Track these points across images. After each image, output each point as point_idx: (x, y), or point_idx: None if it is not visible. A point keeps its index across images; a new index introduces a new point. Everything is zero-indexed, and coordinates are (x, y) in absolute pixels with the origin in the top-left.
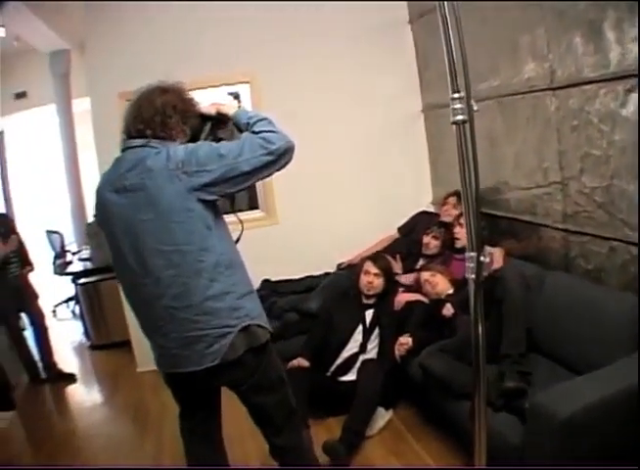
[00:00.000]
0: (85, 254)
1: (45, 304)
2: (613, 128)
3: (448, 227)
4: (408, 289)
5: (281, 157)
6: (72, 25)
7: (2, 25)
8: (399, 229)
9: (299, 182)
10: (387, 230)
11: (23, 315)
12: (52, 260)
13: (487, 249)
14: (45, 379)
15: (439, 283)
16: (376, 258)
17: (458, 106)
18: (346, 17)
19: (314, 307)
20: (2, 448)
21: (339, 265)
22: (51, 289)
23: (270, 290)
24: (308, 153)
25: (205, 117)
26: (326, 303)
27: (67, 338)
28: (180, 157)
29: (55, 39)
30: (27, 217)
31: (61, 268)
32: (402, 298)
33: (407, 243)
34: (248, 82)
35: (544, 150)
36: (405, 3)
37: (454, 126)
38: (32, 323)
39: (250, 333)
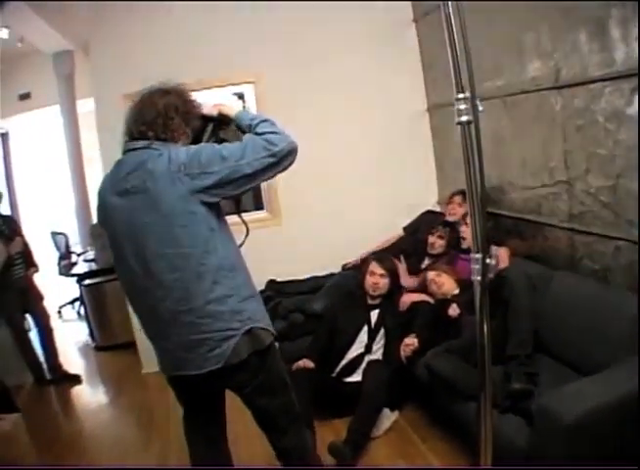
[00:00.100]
0: (90, 255)
1: (50, 305)
2: (618, 127)
3: (454, 227)
4: (413, 289)
5: (284, 158)
6: (76, 26)
7: (6, 27)
8: (405, 229)
9: (304, 182)
10: (392, 230)
11: (28, 316)
12: (57, 261)
13: (493, 249)
14: (50, 380)
15: (445, 283)
16: (381, 258)
17: (463, 106)
18: (351, 16)
19: (319, 308)
20: (7, 450)
21: (344, 266)
22: (56, 290)
23: (275, 290)
24: (313, 153)
25: (207, 119)
26: (331, 303)
27: (72, 339)
28: (182, 159)
29: (59, 40)
30: (32, 218)
31: (66, 269)
32: (408, 298)
33: (413, 243)
34: (252, 82)
35: (550, 149)
36: (409, 2)
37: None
38: (37, 324)
39: (253, 336)
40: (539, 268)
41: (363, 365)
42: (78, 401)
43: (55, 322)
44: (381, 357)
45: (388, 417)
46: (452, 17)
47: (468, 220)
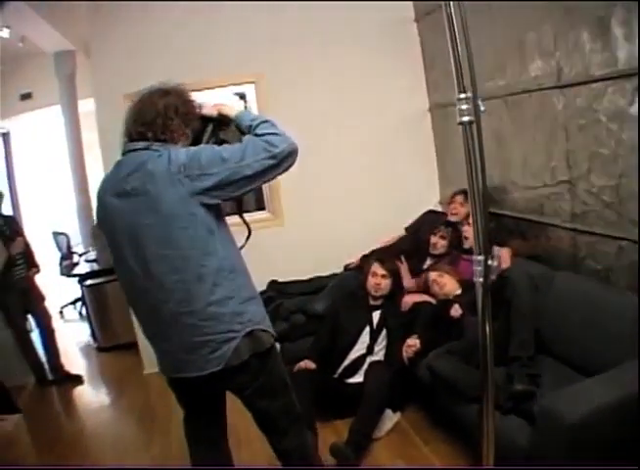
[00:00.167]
0: (92, 255)
1: (52, 305)
2: (621, 127)
3: (456, 227)
4: (415, 290)
5: (284, 160)
6: (78, 26)
7: (7, 27)
8: (407, 229)
9: (306, 182)
10: (394, 230)
11: (30, 317)
12: (58, 262)
13: (495, 249)
14: (52, 381)
15: (447, 283)
16: (383, 259)
17: (465, 106)
18: (352, 16)
19: (321, 309)
20: (8, 451)
21: (346, 266)
22: (58, 290)
23: (277, 291)
24: (315, 152)
25: (206, 119)
26: (333, 304)
27: (74, 339)
28: (182, 160)
29: (60, 40)
30: (34, 219)
31: (67, 269)
32: (410, 299)
33: (414, 243)
34: (253, 82)
35: (552, 149)
36: (411, 2)
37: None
38: (39, 325)
39: (254, 338)
40: (541, 268)
41: (365, 366)
42: (80, 402)
43: (56, 323)
44: (382, 358)
45: (390, 418)
46: (454, 16)
47: (470, 220)
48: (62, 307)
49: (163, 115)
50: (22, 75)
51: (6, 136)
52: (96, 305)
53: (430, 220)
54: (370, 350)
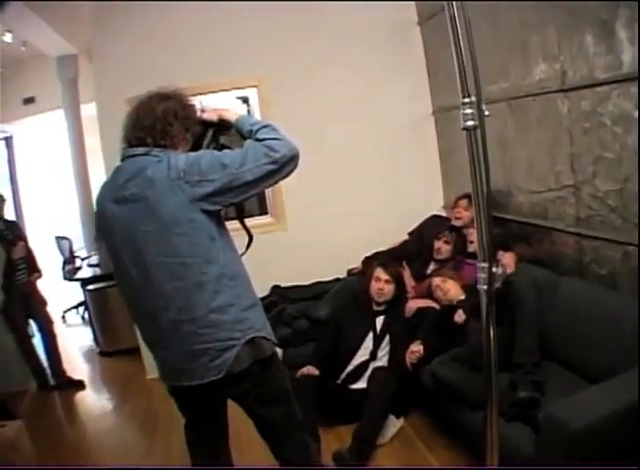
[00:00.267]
0: (94, 259)
1: (55, 309)
2: (626, 130)
3: (460, 231)
4: (419, 295)
5: (285, 165)
6: (80, 30)
7: (10, 31)
8: (410, 234)
9: (309, 187)
10: (397, 235)
11: (32, 322)
12: (61, 266)
13: (499, 254)
14: (54, 386)
15: (451, 289)
16: (386, 264)
17: (468, 111)
18: (355, 19)
19: (324, 314)
20: (10, 457)
21: (349, 271)
22: (60, 295)
23: (280, 296)
24: (318, 157)
25: (207, 124)
26: (336, 309)
27: (76, 344)
28: (182, 166)
29: (63, 44)
30: (37, 223)
31: (70, 274)
32: (413, 304)
33: (418, 247)
34: (255, 86)
35: (556, 153)
36: (413, 4)
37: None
38: (41, 330)
39: (255, 345)
40: (546, 273)
41: (368, 372)
42: (82, 407)
43: (59, 327)
44: (386, 364)
45: (394, 424)
46: (457, 18)
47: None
48: (64, 312)
49: (162, 120)
50: (24, 79)
51: (9, 140)
52: (98, 309)
53: (433, 225)
54: (373, 355)
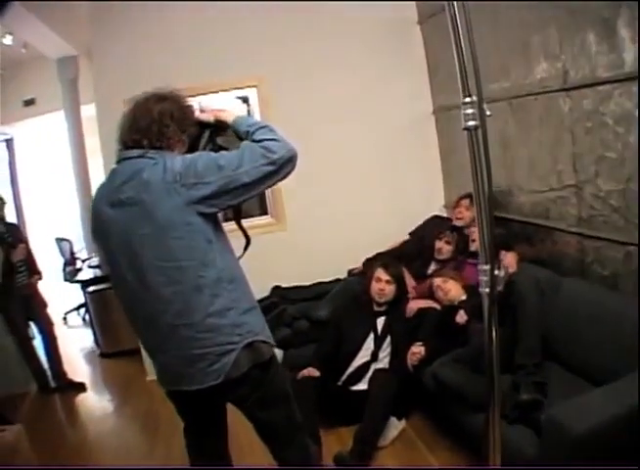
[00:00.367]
0: (95, 261)
1: (55, 311)
2: (628, 130)
3: (461, 231)
4: (420, 295)
5: (283, 166)
6: (80, 31)
7: (10, 33)
8: (411, 234)
9: (309, 187)
10: (398, 235)
11: (32, 324)
12: (62, 267)
13: (501, 254)
14: (55, 388)
15: (452, 289)
16: (387, 264)
17: (470, 111)
18: (355, 18)
19: (325, 315)
20: (10, 460)
21: (350, 271)
22: (61, 296)
23: (280, 296)
24: (318, 156)
25: (203, 125)
26: (337, 310)
27: (77, 345)
28: (178, 168)
29: (62, 45)
30: (37, 224)
31: (70, 275)
32: (414, 304)
33: (419, 247)
34: (255, 86)
35: (558, 152)
36: (414, 3)
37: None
38: (41, 332)
39: (253, 349)
40: (548, 273)
41: (369, 373)
42: (83, 409)
43: (60, 328)
44: (387, 366)
45: (396, 426)
46: (457, 17)
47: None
48: (66, 313)
49: (159, 121)
50: (24, 81)
51: (9, 142)
52: (99, 310)
53: (435, 225)
54: (374, 356)
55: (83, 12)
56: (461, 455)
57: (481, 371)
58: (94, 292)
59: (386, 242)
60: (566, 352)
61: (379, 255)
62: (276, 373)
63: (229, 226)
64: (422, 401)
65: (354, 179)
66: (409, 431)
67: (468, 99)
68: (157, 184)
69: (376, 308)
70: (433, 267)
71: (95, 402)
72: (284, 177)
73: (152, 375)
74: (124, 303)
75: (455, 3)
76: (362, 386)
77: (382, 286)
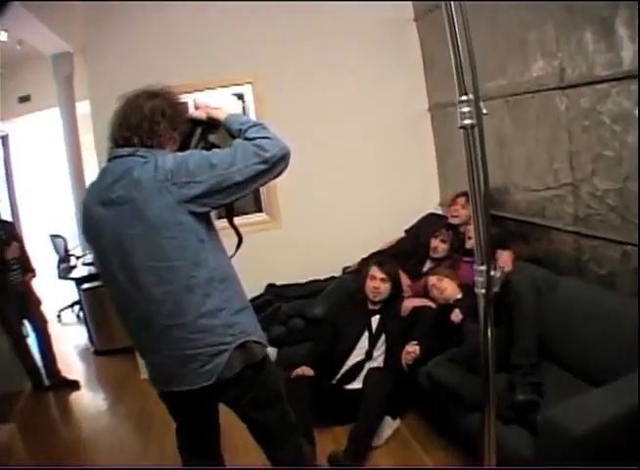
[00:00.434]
0: (89, 258)
1: (50, 308)
2: (625, 129)
3: (456, 230)
4: (415, 294)
5: (276, 165)
6: (75, 28)
7: (5, 30)
8: (407, 231)
9: (304, 184)
10: (393, 233)
11: (26, 322)
12: (56, 265)
13: (497, 252)
14: (48, 386)
15: (447, 288)
16: (382, 262)
17: (466, 109)
18: (350, 16)
19: (319, 313)
20: (4, 459)
21: (345, 269)
22: (55, 293)
23: (275, 294)
24: (313, 154)
25: (195, 122)
26: (331, 308)
27: (72, 343)
28: (169, 167)
29: (58, 42)
30: (32, 221)
31: (65, 273)
32: (409, 303)
33: (414, 245)
34: (250, 83)
35: (555, 151)
36: (410, 3)
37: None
38: (35, 330)
39: (246, 350)
40: (545, 273)
41: (364, 372)
42: (77, 407)
43: (54, 326)
44: (382, 364)
45: (390, 425)
46: (454, 15)
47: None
48: (60, 311)
49: (150, 118)
50: (20, 78)
51: (4, 139)
52: (93, 308)
53: (430, 223)
54: (369, 355)
55: (78, 9)
56: (456, 455)
57: (477, 371)
58: (88, 289)
59: (381, 240)
60: (562, 351)
61: (374, 254)
62: (269, 373)
63: (221, 224)
64: (416, 401)
65: (349, 176)
66: (404, 430)
67: (464, 97)
68: (147, 183)
69: (370, 307)
70: (428, 266)
71: (89, 401)
72: (277, 176)
73: (145, 374)
74: (116, 302)
75: (452, 2)
76: (357, 385)
77: (376, 284)
